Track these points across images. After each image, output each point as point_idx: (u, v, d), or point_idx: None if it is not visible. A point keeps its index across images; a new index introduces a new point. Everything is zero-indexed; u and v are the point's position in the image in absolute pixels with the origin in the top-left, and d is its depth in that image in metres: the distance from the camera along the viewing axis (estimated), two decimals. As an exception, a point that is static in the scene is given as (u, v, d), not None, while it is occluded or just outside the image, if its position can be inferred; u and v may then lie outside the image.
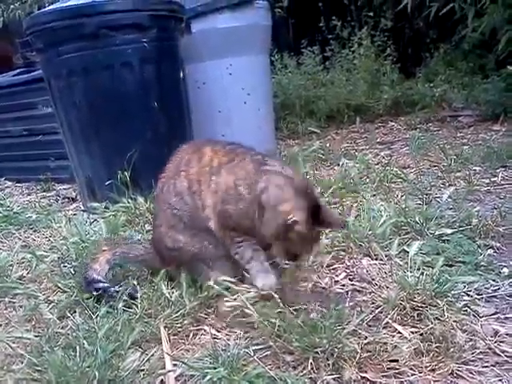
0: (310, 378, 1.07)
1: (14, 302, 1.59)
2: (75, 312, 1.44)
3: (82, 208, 2.71)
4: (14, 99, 3.66)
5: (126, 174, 2.28)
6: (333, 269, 1.58)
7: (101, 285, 1.49)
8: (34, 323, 1.43)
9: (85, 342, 1.21)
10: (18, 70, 4.06)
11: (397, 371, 1.06)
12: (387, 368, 1.07)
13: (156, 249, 1.57)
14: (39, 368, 1.15)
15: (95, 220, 2.30)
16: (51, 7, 2.63)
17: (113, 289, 1.48)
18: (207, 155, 1.48)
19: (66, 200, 2.99)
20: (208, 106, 3.15)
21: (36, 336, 1.31)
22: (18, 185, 3.71)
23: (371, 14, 5.14)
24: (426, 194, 2.14)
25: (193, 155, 1.51)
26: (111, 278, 1.58)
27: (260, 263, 1.40)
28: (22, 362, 1.19)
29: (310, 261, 1.57)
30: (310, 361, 1.10)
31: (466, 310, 1.26)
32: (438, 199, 2.07)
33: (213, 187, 1.43)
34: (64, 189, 3.27)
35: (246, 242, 1.40)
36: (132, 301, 1.40)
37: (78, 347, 1.19)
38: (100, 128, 2.45)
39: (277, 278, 1.40)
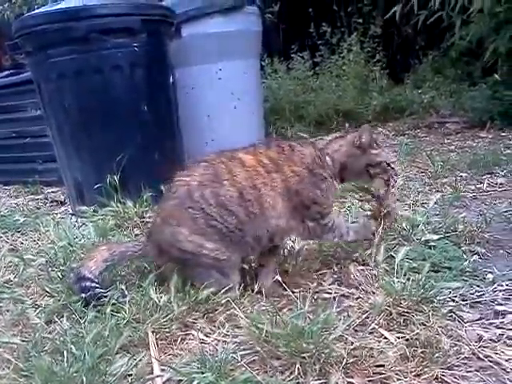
0: (297, 382, 1.08)
1: (0, 307, 1.58)
2: (63, 317, 1.42)
3: (71, 211, 2.70)
4: (3, 101, 3.65)
5: (115, 177, 2.27)
6: (320, 274, 1.59)
7: (88, 283, 1.46)
8: (20, 328, 1.42)
9: (72, 346, 1.20)
10: (6, 72, 4.04)
11: (383, 376, 1.07)
12: (373, 373, 1.08)
13: (160, 244, 1.50)
14: (26, 373, 1.14)
15: (84, 224, 2.29)
16: (41, 10, 2.63)
17: (99, 290, 1.45)
18: (247, 158, 1.47)
19: (55, 203, 2.98)
20: (197, 110, 3.16)
21: (23, 341, 1.30)
22: (6, 187, 3.68)
23: (361, 20, 5.21)
24: (414, 200, 2.17)
25: (230, 163, 1.47)
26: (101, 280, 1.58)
27: (353, 227, 1.60)
28: (9, 368, 1.18)
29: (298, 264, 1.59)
30: (297, 366, 1.10)
31: (451, 316, 1.28)
32: (425, 205, 2.09)
33: (279, 186, 1.44)
34: (52, 192, 3.25)
35: (337, 220, 1.55)
36: (120, 305, 1.40)
37: (65, 352, 1.18)
38: (89, 131, 2.44)
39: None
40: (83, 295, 1.45)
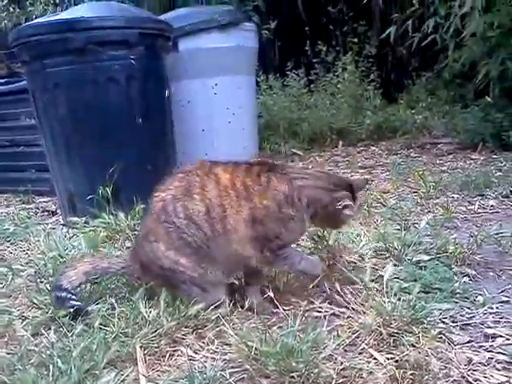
0: (286, 402, 1.07)
1: (-14, 317, 1.56)
2: (50, 329, 1.40)
3: (62, 222, 2.69)
4: (-3, 109, 3.64)
5: (108, 189, 2.26)
6: (311, 292, 1.59)
7: (64, 294, 1.45)
8: (6, 340, 1.40)
9: (59, 360, 1.18)
10: (1, 80, 4.03)
11: (372, 398, 1.07)
12: (362, 394, 1.08)
13: (143, 262, 1.51)
14: (10, 387, 1.13)
15: (75, 235, 2.27)
16: (39, 20, 2.64)
17: (73, 302, 1.44)
18: (224, 176, 1.47)
19: (46, 213, 2.96)
20: (192, 124, 3.18)
21: (8, 353, 1.28)
22: (-3, 196, 3.66)
23: (356, 40, 5.28)
24: (405, 220, 2.18)
25: (206, 177, 1.47)
26: (87, 295, 1.56)
27: (306, 258, 1.55)
28: (-7, 380, 1.16)
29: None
30: (286, 385, 1.10)
31: (441, 338, 1.28)
32: (417, 225, 2.10)
33: (245, 213, 1.43)
34: (44, 201, 3.24)
35: (290, 250, 1.52)
36: (109, 318, 1.39)
37: (51, 366, 1.17)
38: (83, 142, 2.44)
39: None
40: (56, 305, 1.45)
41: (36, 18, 4.95)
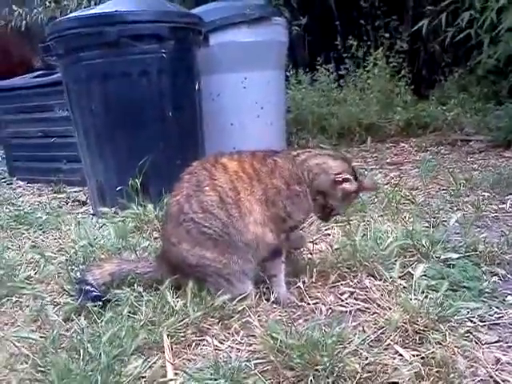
0: (310, 394, 1.08)
1: (20, 302, 1.61)
2: (80, 315, 1.45)
3: (92, 212, 2.75)
4: (32, 101, 3.74)
5: (137, 181, 2.30)
6: (337, 287, 1.59)
7: (88, 288, 1.50)
8: (39, 324, 1.45)
9: (89, 345, 1.22)
10: (37, 73, 4.14)
11: (396, 394, 1.07)
12: (387, 389, 1.08)
13: (171, 264, 1.54)
14: (43, 369, 1.17)
15: (104, 224, 2.32)
16: (74, 14, 2.69)
17: (94, 293, 1.48)
18: (231, 164, 1.51)
19: (76, 203, 3.03)
20: (221, 118, 3.19)
21: (41, 337, 1.33)
22: (30, 185, 3.76)
23: (387, 35, 5.19)
24: (434, 218, 2.15)
25: (213, 168, 1.51)
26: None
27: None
28: (27, 362, 1.21)
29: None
30: (310, 378, 1.10)
31: (468, 336, 1.27)
32: (446, 223, 2.07)
33: (258, 194, 1.47)
34: (74, 192, 3.31)
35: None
36: (137, 307, 1.42)
37: (81, 350, 1.20)
38: (114, 134, 2.49)
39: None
40: (78, 298, 1.48)
41: (71, 11, 5.05)
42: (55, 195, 3.29)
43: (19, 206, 2.90)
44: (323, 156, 1.57)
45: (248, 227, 1.46)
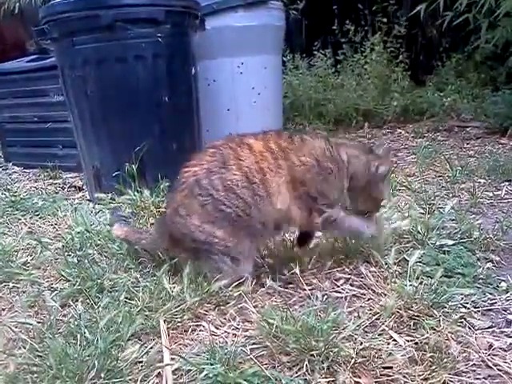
0: (305, 379, 1.09)
1: (17, 288, 1.62)
2: (77, 301, 1.46)
3: (88, 197, 2.74)
4: (27, 85, 3.69)
5: (134, 166, 2.30)
6: (333, 273, 1.60)
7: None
8: (36, 309, 1.46)
9: (86, 330, 1.23)
10: (31, 57, 4.09)
11: (390, 378, 1.08)
12: (381, 374, 1.09)
13: (173, 236, 1.52)
14: (40, 354, 1.18)
15: (100, 210, 2.31)
16: (68, -3, 2.65)
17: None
18: (256, 144, 1.49)
19: (73, 189, 3.02)
20: (217, 103, 3.18)
21: (38, 322, 1.34)
22: (26, 171, 3.74)
23: (385, 20, 5.15)
24: (430, 204, 2.15)
25: (239, 148, 1.48)
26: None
27: (354, 220, 1.57)
28: (24, 347, 1.21)
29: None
30: (306, 363, 1.11)
31: (462, 322, 1.28)
32: (441, 210, 2.08)
33: (285, 172, 1.45)
34: (71, 177, 3.30)
35: (337, 212, 1.53)
36: (134, 292, 1.42)
37: (78, 336, 1.21)
38: (110, 119, 2.47)
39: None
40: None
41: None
42: (51, 181, 3.28)
43: (15, 191, 2.89)
44: (349, 147, 1.60)
45: (274, 205, 1.45)
